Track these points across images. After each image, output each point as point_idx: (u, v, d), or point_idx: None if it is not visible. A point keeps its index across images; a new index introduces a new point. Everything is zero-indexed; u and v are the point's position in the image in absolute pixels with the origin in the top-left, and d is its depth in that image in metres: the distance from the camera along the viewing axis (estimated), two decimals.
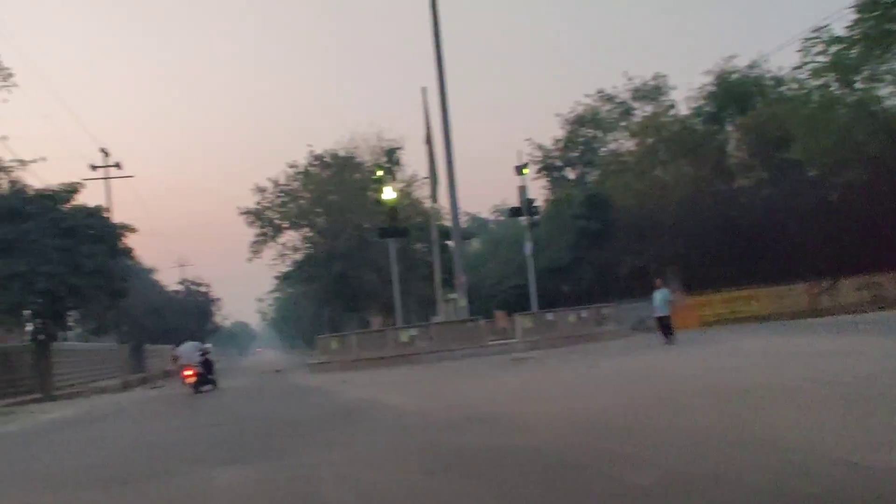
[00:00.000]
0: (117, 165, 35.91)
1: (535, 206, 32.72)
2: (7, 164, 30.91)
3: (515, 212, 30.84)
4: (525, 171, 30.53)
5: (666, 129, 46.29)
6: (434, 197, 30.86)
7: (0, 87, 30.17)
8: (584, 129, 55.67)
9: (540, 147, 58.88)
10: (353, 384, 18.68)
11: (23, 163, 31.27)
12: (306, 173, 50.86)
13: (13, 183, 31.48)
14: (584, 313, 26.46)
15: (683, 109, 49.30)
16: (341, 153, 48.76)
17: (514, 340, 25.76)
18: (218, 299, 67.61)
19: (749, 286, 39.85)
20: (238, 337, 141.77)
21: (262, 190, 52.30)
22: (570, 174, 61.88)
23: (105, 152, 35.44)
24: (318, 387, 19.18)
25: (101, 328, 31.90)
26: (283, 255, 53.88)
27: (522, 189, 30.11)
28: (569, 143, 56.95)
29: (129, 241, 33.88)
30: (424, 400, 12.71)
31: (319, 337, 30.08)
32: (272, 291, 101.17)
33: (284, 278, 60.20)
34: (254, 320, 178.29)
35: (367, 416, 11.30)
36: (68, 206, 31.40)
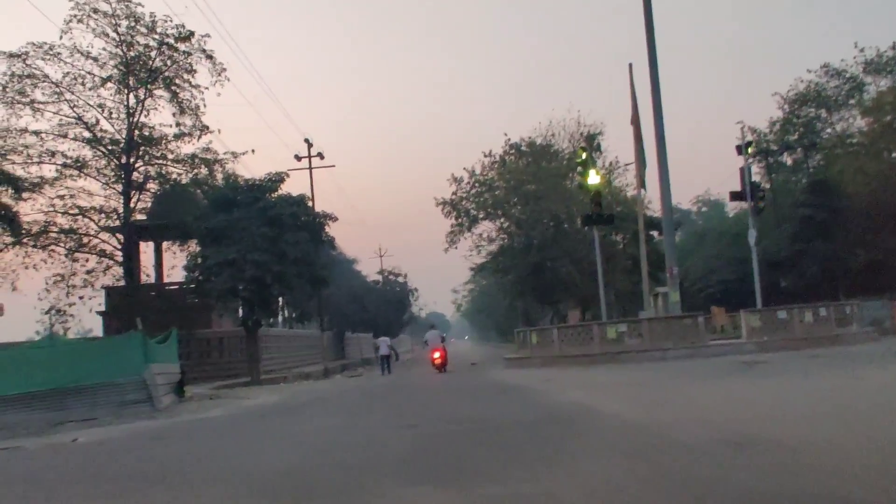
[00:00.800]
0: (320, 155, 36.60)
1: (762, 190, 29.15)
2: (221, 157, 32.12)
3: (737, 196, 27.63)
4: (749, 149, 27.17)
5: None
6: (642, 182, 28.37)
7: (214, 81, 31.21)
8: (806, 108, 50.11)
9: (754, 130, 53.83)
10: (557, 384, 16.98)
11: (234, 155, 32.41)
12: (502, 162, 49.76)
13: (227, 175, 32.76)
14: (822, 311, 22.94)
15: None
16: (538, 141, 47.04)
17: (738, 341, 22.82)
18: (415, 289, 68.54)
19: None
20: (434, 327, 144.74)
21: (457, 180, 51.88)
22: (788, 159, 56.43)
23: (308, 142, 36.23)
24: (518, 385, 17.66)
25: (303, 315, 32.58)
26: (478, 246, 53.27)
27: (746, 169, 26.84)
28: (787, 124, 51.61)
29: (331, 230, 34.31)
30: (649, 409, 10.74)
31: (517, 330, 28.62)
32: (467, 283, 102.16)
33: (479, 269, 59.67)
34: (448, 311, 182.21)
35: (584, 426, 9.57)
36: (274, 195, 32.23)
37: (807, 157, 50.28)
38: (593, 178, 26.17)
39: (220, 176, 32.88)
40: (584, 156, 26.53)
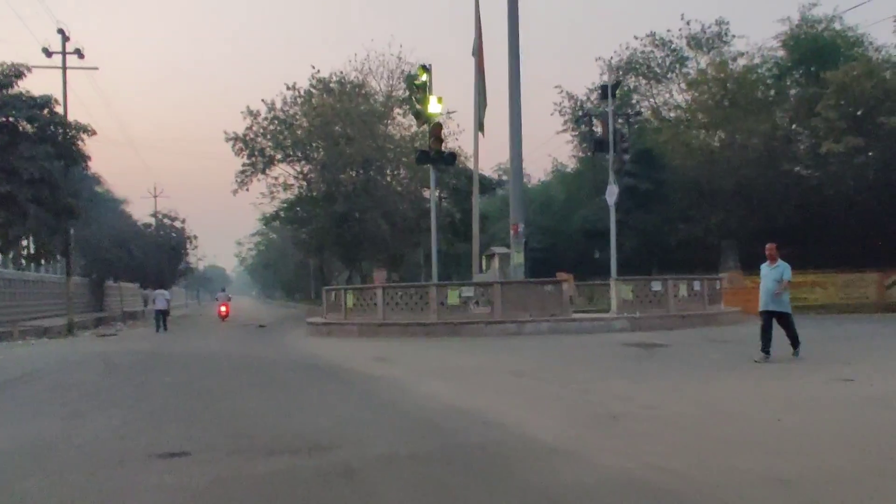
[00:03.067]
0: (78, 53, 28.46)
1: (626, 139, 25.76)
2: None
3: (600, 145, 23.92)
4: (616, 92, 23.54)
5: (734, 80, 39.43)
6: (480, 123, 23.91)
7: None
8: (630, 76, 48.61)
9: (571, 97, 51.84)
10: (399, 367, 12.06)
11: None
12: (308, 97, 43.59)
13: None
14: (696, 286, 19.76)
15: (747, 62, 42.41)
16: (352, 76, 41.42)
17: (607, 315, 19.03)
18: (193, 237, 60.29)
19: (817, 271, 33.69)
20: (212, 281, 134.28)
21: (253, 114, 45.02)
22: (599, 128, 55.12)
23: (63, 34, 27.97)
24: (340, 365, 12.48)
25: (40, 254, 24.88)
26: (272, 192, 46.85)
27: (611, 114, 23.22)
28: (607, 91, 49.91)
29: (88, 149, 26.66)
30: (615, 436, 6.09)
31: (326, 289, 23.07)
32: (254, 234, 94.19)
33: (272, 219, 53.19)
34: (229, 265, 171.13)
35: (518, 479, 4.71)
36: (6, 93, 24.15)
37: (627, 126, 48.82)
38: (434, 106, 21.24)
39: None
40: (423, 78, 21.49)
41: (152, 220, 59.63)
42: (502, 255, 23.18)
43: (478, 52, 24.35)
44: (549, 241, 50.41)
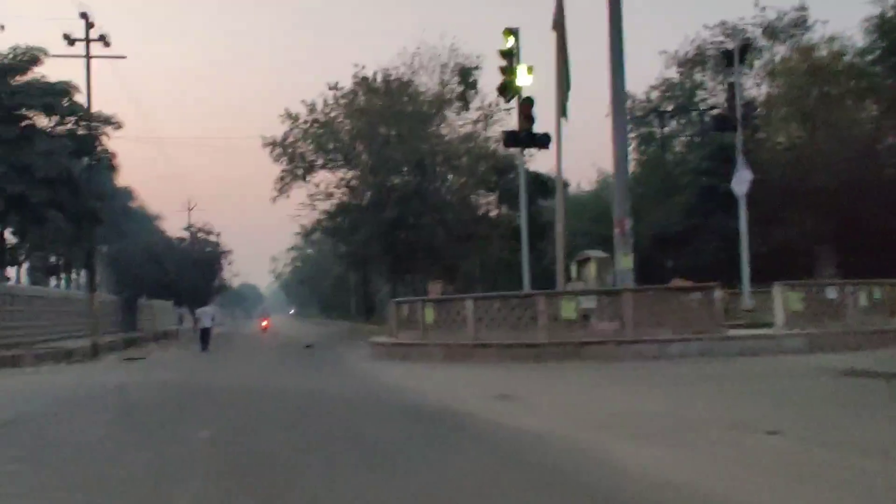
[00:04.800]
0: (103, 41, 25.34)
1: (755, 111, 21.77)
2: None
3: (722, 123, 19.95)
4: (748, 58, 19.60)
5: (822, 69, 35.29)
6: (563, 108, 20.10)
7: None
8: (699, 70, 44.58)
9: (629, 96, 47.92)
10: (532, 409, 8.45)
11: None
12: (353, 97, 40.16)
13: None
14: (877, 293, 15.65)
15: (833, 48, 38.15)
16: (401, 71, 37.85)
17: (772, 332, 14.99)
18: (229, 251, 57.17)
19: None
20: (246, 300, 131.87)
21: (292, 118, 41.77)
22: (657, 129, 51.26)
23: (87, 19, 24.87)
24: (447, 408, 8.77)
25: (59, 266, 21.57)
26: (312, 202, 43.46)
27: (737, 85, 19.33)
28: (674, 87, 46.01)
29: (111, 143, 23.36)
30: None
31: (396, 301, 19.20)
32: (290, 249, 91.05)
33: (312, 230, 49.82)
34: (263, 282, 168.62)
35: None
36: (19, 80, 20.97)
37: (703, 121, 44.69)
38: (524, 77, 17.54)
39: None
40: (510, 43, 17.78)
41: (186, 234, 56.76)
42: (600, 259, 19.35)
43: (559, 24, 20.55)
44: (607, 252, 46.30)
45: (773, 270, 34.05)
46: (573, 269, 20.92)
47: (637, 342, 13.65)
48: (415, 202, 32.83)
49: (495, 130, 38.31)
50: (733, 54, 19.58)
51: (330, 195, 43.42)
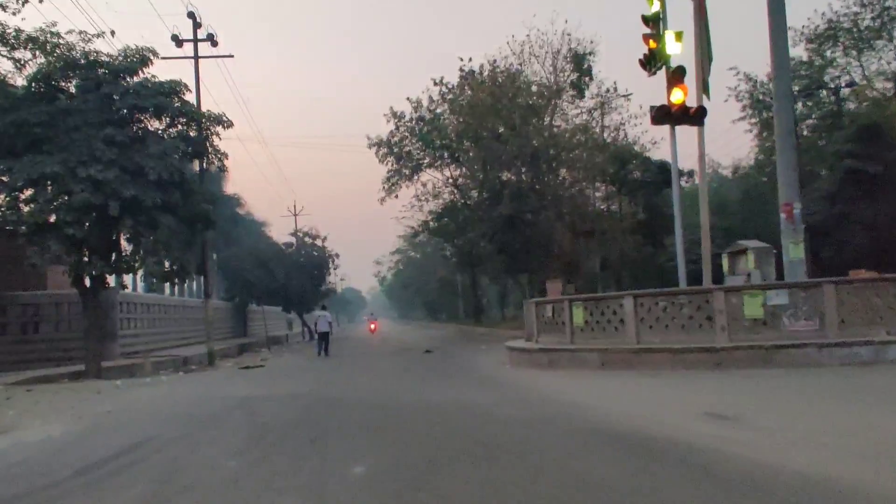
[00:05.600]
0: (211, 40, 24.72)
1: None
2: (53, 35, 19.99)
3: None
4: None
5: None
6: (705, 86, 17.78)
7: None
8: (832, 46, 40.84)
9: (749, 79, 44.59)
10: (767, 435, 6.49)
11: (85, 37, 20.20)
12: (457, 95, 38.69)
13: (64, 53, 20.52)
14: None
15: None
16: (511, 61, 36.05)
17: None
18: (335, 255, 56.63)
19: None
20: (351, 304, 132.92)
21: (397, 116, 40.76)
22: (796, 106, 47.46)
23: (195, 19, 24.27)
24: (649, 435, 6.89)
25: (173, 272, 20.87)
26: (419, 202, 42.36)
27: None
28: (803, 66, 42.38)
29: (222, 145, 22.51)
30: None
31: (535, 301, 17.24)
32: (394, 252, 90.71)
33: (418, 232, 48.75)
34: (364, 287, 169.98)
35: None
36: (132, 81, 20.35)
37: (838, 101, 40.93)
38: (673, 45, 15.45)
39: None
40: (654, 7, 15.69)
41: (292, 240, 56.61)
42: (759, 249, 16.98)
43: None
44: (726, 244, 43.10)
45: None
46: (724, 261, 18.58)
47: (844, 345, 11.35)
48: (531, 197, 30.95)
49: (612, 119, 36.11)
50: None
51: (437, 194, 42.25)
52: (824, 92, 41.49)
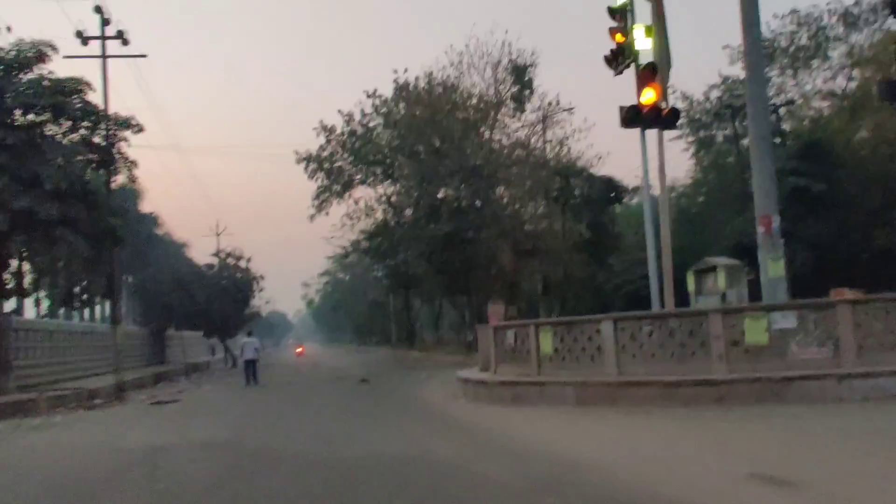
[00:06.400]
0: (121, 38, 22.16)
1: None
2: None
3: (891, 90, 15.94)
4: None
5: None
6: (664, 90, 16.39)
7: None
8: (769, 65, 40.74)
9: (685, 97, 44.32)
10: None
11: None
12: (391, 108, 36.94)
13: None
14: None
15: None
16: (448, 73, 34.46)
17: None
18: (260, 277, 53.73)
19: None
20: (277, 327, 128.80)
21: (328, 129, 38.66)
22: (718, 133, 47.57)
23: (102, 14, 21.73)
24: None
25: (74, 295, 18.25)
26: (352, 218, 40.17)
27: None
28: (736, 85, 42.26)
29: (130, 152, 20.05)
30: None
31: (496, 326, 15.12)
32: (323, 274, 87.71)
33: (348, 253, 46.59)
34: (291, 310, 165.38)
35: None
36: (26, 77, 17.78)
37: (778, 120, 40.78)
38: (642, 41, 13.94)
39: None
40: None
41: (214, 261, 53.52)
42: (730, 267, 15.62)
43: None
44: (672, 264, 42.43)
45: (870, 281, 30.30)
46: (689, 280, 17.17)
47: (866, 375, 9.83)
48: (471, 215, 29.28)
49: (555, 134, 34.86)
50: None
51: (370, 212, 40.19)
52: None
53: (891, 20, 37.37)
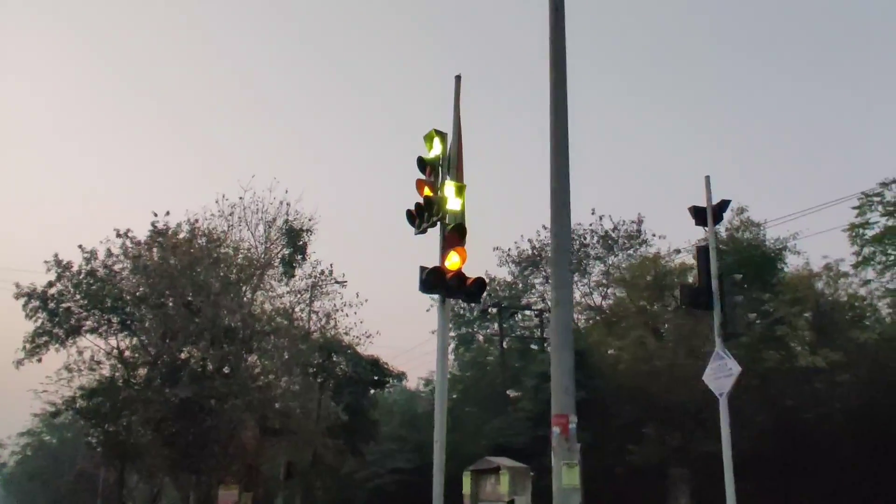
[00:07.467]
0: None
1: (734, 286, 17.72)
2: None
3: (696, 296, 15.10)
4: (724, 212, 15.49)
5: (668, 275, 34.08)
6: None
7: None
8: (529, 272, 42.50)
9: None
10: None
11: None
12: (139, 253, 33.00)
13: None
14: None
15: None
16: (217, 222, 31.68)
17: None
18: None
19: None
20: None
21: (63, 265, 33.47)
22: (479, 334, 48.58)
23: None
24: None
25: None
26: (73, 371, 34.18)
27: (712, 250, 15.10)
28: (502, 286, 43.61)
29: None
30: None
31: None
32: (23, 434, 74.84)
33: (59, 411, 39.52)
34: None
35: None
36: None
37: (541, 324, 41.73)
38: (454, 200, 12.32)
39: None
40: (435, 151, 12.52)
41: None
42: (516, 470, 13.77)
43: (456, 153, 15.59)
44: (420, 461, 40.31)
45: (624, 498, 30.24)
46: (465, 482, 15.04)
47: None
48: (218, 381, 25.58)
49: (322, 307, 32.65)
50: (706, 211, 15.69)
51: (97, 365, 34.49)
52: (528, 312, 42.62)
53: (643, 248, 41.07)
